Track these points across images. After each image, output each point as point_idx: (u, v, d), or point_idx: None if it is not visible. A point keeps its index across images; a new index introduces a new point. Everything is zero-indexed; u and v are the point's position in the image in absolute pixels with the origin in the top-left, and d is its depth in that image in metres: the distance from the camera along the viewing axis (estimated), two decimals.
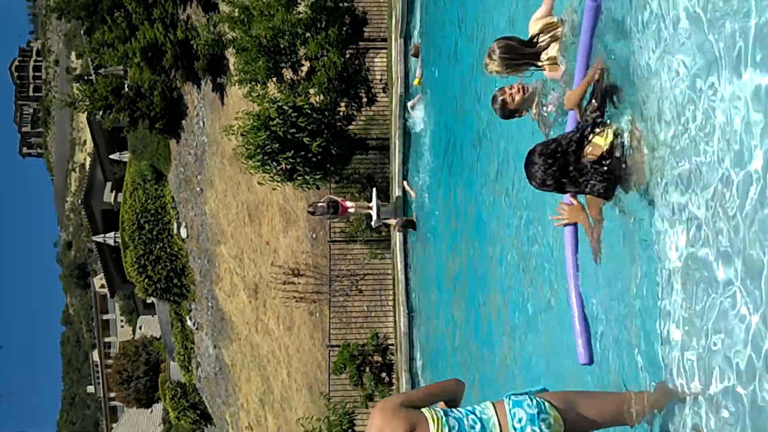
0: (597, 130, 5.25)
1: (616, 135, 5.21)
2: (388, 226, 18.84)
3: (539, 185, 5.32)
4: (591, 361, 5.61)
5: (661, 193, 4.85)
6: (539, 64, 6.36)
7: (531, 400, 4.21)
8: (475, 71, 11.49)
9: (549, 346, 7.96)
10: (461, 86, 12.98)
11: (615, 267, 5.70)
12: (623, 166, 5.20)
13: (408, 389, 17.08)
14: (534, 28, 6.52)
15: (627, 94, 5.25)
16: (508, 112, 6.83)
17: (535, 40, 6.35)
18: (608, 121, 5.32)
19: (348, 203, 18.01)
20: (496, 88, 6.98)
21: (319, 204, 17.79)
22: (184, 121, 30.65)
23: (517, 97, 6.71)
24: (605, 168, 5.20)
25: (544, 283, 8.06)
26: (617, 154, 5.21)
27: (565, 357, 7.08)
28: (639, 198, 5.18)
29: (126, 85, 29.65)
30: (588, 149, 5.24)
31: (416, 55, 17.46)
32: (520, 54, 6.33)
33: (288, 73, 18.89)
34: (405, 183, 17.90)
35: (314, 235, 23.31)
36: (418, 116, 17.05)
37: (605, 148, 5.18)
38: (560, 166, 5.22)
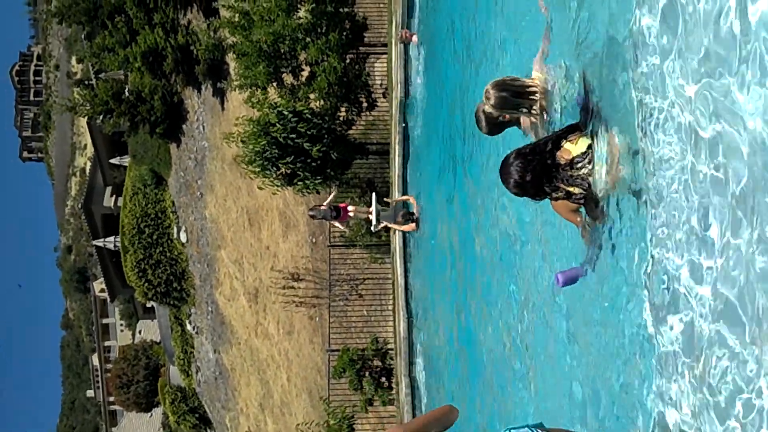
0: (570, 137, 5.47)
1: (591, 143, 5.43)
2: (388, 230, 18.84)
3: (518, 182, 5.51)
4: (561, 285, 6.16)
5: (632, 202, 5.02)
6: (534, 111, 6.61)
7: (531, 430, 4.30)
8: (474, 75, 11.53)
9: (550, 349, 7.97)
10: (460, 89, 13.01)
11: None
12: (593, 174, 5.40)
13: (407, 393, 17.08)
14: (535, 71, 6.71)
15: (608, 107, 5.41)
16: (494, 119, 6.84)
17: (531, 90, 6.54)
18: (587, 130, 5.52)
19: (349, 207, 18.04)
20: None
21: (322, 207, 17.83)
22: (184, 126, 30.67)
23: None
24: (574, 173, 5.40)
25: (547, 286, 8.07)
26: (589, 162, 5.44)
27: (562, 360, 7.11)
28: (614, 204, 5.34)
29: (126, 90, 29.67)
30: (559, 152, 5.51)
31: (406, 42, 17.60)
32: (517, 92, 6.52)
33: (288, 78, 18.90)
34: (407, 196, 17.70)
35: (314, 240, 23.32)
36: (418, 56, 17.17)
37: (575, 155, 5.39)
38: (539, 162, 5.46)
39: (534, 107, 6.50)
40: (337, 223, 18.34)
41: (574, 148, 5.48)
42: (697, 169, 4.26)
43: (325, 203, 18.00)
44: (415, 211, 17.15)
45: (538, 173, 5.46)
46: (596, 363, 6.25)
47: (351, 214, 18.03)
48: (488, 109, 6.53)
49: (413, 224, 17.03)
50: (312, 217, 18.54)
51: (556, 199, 5.70)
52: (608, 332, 5.92)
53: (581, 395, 6.69)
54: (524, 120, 6.81)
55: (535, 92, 6.44)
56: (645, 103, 4.92)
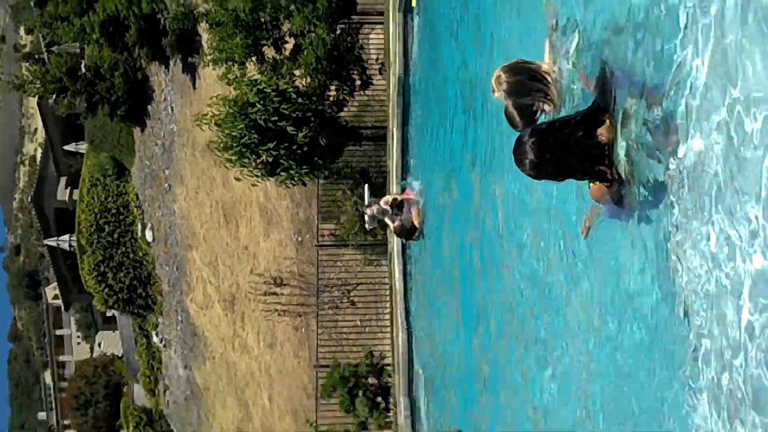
0: (607, 114, 5.66)
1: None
2: (384, 227, 18.83)
3: (535, 162, 5.58)
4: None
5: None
6: (550, 98, 6.72)
7: None
8: (479, 46, 11.55)
9: (559, 357, 8.02)
10: (461, 63, 13.06)
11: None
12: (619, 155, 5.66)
13: (407, 415, 17.10)
14: (547, 56, 6.92)
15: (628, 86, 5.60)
16: (527, 109, 6.88)
17: (545, 75, 6.69)
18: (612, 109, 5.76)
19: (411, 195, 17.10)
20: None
21: (377, 206, 17.00)
22: (149, 107, 30.66)
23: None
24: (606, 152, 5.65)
25: (556, 290, 8.12)
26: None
27: (578, 378, 7.16)
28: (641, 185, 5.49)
29: (83, 65, 29.64)
30: (602, 130, 5.63)
31: None
32: (531, 77, 6.63)
33: (270, 52, 18.89)
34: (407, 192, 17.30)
35: (299, 239, 23.33)
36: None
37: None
38: (559, 140, 5.54)
39: (549, 93, 6.62)
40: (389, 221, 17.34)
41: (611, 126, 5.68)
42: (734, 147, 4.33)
43: (383, 201, 16.97)
44: (416, 220, 16.78)
45: (558, 151, 5.55)
46: (616, 383, 6.31)
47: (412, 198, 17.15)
48: (498, 96, 6.63)
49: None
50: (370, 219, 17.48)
51: (584, 178, 5.86)
52: (629, 356, 5.99)
53: (596, 411, 6.77)
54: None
55: (549, 77, 6.57)
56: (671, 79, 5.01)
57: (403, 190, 17.15)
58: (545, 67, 6.71)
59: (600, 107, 5.80)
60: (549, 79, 6.60)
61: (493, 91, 6.71)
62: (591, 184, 6.05)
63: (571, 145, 5.56)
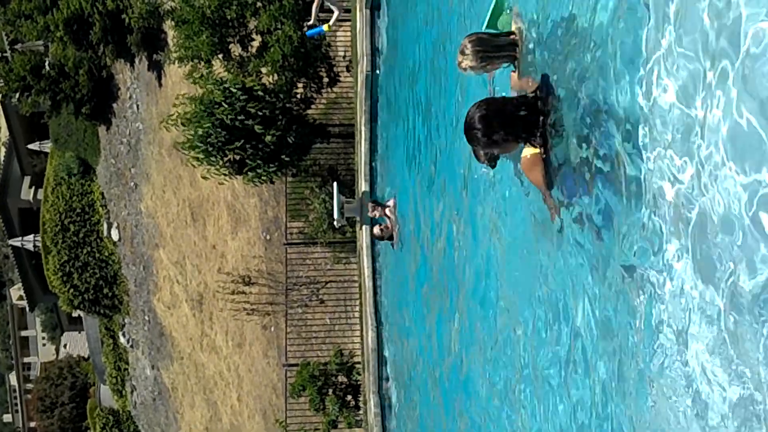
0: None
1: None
2: (353, 225, 18.82)
3: (483, 131, 6.26)
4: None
5: None
6: (516, 56, 7.09)
7: None
8: (447, 34, 11.58)
9: (528, 357, 8.06)
10: (425, 59, 13.10)
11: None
12: None
13: (377, 413, 17.12)
14: (515, 23, 7.28)
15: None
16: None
17: (512, 42, 7.11)
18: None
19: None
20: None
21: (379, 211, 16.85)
22: (115, 105, 30.46)
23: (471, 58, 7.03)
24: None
25: (526, 290, 8.15)
26: None
27: (550, 377, 7.21)
28: None
29: (47, 63, 29.38)
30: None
31: None
32: (495, 46, 6.98)
33: (236, 50, 18.84)
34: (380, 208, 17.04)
35: (268, 237, 23.29)
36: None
37: None
38: (505, 116, 6.32)
39: (514, 59, 7.02)
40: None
41: None
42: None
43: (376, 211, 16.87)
44: (389, 221, 16.63)
45: (503, 120, 6.34)
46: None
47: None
48: (460, 61, 6.84)
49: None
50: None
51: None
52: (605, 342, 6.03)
53: (568, 409, 6.81)
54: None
55: (517, 44, 6.95)
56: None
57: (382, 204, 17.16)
58: (513, 28, 7.10)
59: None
60: (515, 41, 7.01)
61: (460, 63, 6.94)
62: (523, 156, 6.58)
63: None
